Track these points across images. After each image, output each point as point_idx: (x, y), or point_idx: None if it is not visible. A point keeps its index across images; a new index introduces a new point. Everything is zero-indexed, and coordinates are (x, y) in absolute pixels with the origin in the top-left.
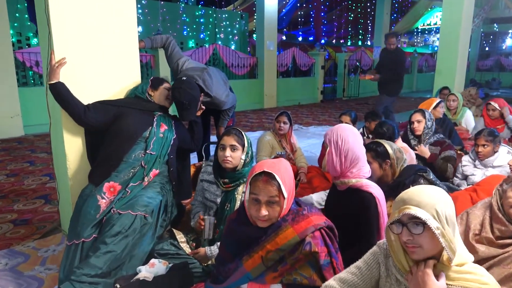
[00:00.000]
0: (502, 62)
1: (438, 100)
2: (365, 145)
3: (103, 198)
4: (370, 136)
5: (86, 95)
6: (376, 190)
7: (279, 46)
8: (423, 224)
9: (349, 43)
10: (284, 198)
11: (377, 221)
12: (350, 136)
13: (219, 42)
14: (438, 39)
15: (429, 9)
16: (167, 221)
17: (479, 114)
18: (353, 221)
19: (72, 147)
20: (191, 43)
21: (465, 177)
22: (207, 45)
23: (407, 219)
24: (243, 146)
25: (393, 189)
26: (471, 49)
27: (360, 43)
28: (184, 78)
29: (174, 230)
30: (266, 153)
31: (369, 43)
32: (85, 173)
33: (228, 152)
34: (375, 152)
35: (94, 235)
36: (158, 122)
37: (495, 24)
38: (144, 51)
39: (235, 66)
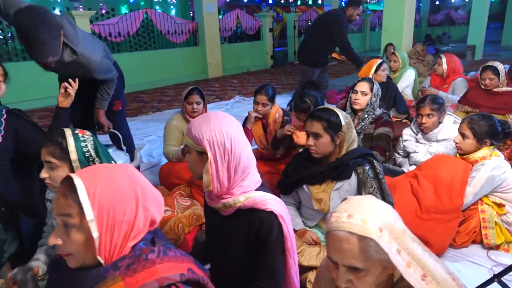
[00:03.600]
0: (451, 16)
1: (379, 61)
2: (312, 112)
3: None
4: None
5: None
6: (277, 205)
7: (224, 9)
8: None
9: (298, 2)
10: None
11: (282, 249)
12: (238, 133)
13: (157, 7)
14: None
15: None
16: None
17: (427, 73)
18: (247, 254)
19: None
20: (123, 9)
21: (408, 154)
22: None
23: None
24: None
25: (332, 169)
26: (422, 4)
27: (310, 2)
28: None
29: None
30: (175, 141)
31: (320, 1)
32: None
33: None
34: (328, 123)
35: None
36: None
37: None
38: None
39: (172, 33)
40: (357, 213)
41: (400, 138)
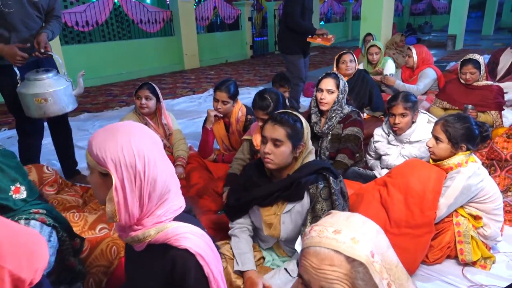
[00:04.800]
0: (433, 5)
1: (342, 51)
2: (273, 115)
3: None
4: None
5: None
6: (195, 241)
7: None
8: None
9: None
10: None
11: None
12: (155, 151)
13: None
14: None
15: None
16: None
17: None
18: None
19: None
20: None
21: (379, 156)
22: None
23: None
24: None
25: (284, 189)
26: None
27: None
28: None
29: None
30: None
31: None
32: None
33: None
34: (293, 130)
35: None
36: None
37: None
38: None
39: (145, 22)
40: (346, 230)
41: (372, 139)
